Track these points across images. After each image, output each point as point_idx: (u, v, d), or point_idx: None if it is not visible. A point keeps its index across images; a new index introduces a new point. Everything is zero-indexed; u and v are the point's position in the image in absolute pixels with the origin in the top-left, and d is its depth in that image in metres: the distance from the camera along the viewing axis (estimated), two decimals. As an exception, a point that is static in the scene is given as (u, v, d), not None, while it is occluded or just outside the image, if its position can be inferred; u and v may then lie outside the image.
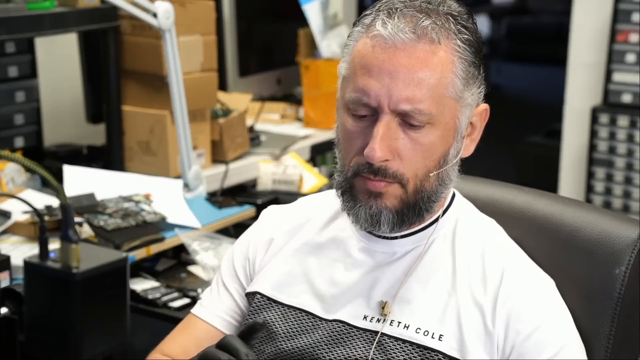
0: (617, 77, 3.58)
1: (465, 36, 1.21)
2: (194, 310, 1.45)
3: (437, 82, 1.18)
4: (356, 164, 1.22)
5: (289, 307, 1.32)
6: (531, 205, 1.41)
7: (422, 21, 1.18)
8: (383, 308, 1.25)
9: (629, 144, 3.55)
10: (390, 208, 1.22)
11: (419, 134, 1.19)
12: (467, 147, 1.27)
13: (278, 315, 1.32)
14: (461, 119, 1.23)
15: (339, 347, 1.26)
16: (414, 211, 1.23)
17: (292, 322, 1.31)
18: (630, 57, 3.54)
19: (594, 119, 3.61)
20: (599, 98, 3.66)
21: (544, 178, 4.05)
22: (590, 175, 3.67)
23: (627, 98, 3.57)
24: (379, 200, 1.21)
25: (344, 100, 1.23)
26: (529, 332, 1.20)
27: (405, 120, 1.19)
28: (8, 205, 2.21)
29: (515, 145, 5.56)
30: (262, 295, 1.35)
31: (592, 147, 3.64)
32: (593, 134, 3.62)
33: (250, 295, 1.37)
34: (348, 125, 1.23)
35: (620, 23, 3.55)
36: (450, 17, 1.20)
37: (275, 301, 1.33)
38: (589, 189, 3.67)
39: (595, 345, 1.28)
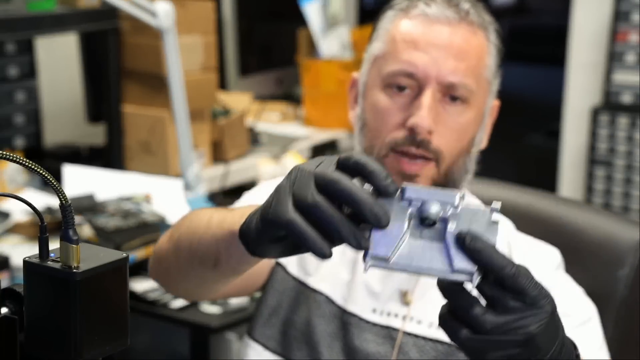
0: (617, 77, 3.57)
1: (495, 27, 1.26)
2: None
3: (477, 61, 1.21)
4: (393, 139, 1.19)
5: (312, 290, 1.26)
6: (534, 207, 1.41)
7: (462, 5, 1.22)
8: (405, 296, 1.23)
9: (629, 145, 3.54)
10: None
11: (457, 112, 1.20)
12: (482, 140, 1.27)
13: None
14: (487, 105, 1.25)
15: (339, 340, 1.23)
16: None
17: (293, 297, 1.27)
18: (630, 57, 3.54)
19: (594, 120, 3.60)
20: (598, 98, 3.66)
21: (544, 178, 4.04)
22: (590, 176, 3.66)
23: (627, 98, 3.56)
24: (414, 182, 1.18)
25: (381, 76, 1.22)
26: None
27: (449, 94, 1.19)
28: (8, 205, 2.20)
29: (515, 145, 5.56)
30: (287, 273, 1.28)
31: (591, 148, 3.63)
32: (593, 134, 3.62)
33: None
34: (383, 103, 1.21)
35: (620, 23, 3.54)
36: (482, 7, 1.26)
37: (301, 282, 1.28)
38: (589, 189, 3.67)
39: (597, 347, 1.28)
